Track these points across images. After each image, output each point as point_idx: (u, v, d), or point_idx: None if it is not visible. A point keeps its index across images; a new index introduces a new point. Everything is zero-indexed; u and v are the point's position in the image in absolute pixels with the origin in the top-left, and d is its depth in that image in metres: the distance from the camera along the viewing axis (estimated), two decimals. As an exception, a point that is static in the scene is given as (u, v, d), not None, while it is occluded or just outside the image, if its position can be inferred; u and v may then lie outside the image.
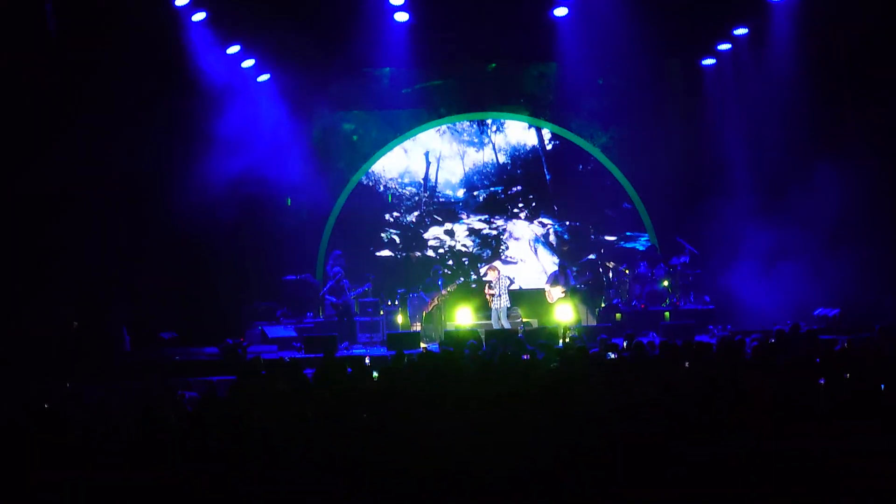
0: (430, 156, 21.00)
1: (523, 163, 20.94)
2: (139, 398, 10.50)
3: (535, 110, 20.61)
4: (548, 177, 20.90)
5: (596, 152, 20.42)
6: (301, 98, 19.51)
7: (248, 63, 18.37)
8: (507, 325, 17.50)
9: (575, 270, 18.66)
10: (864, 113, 16.84)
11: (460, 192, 21.02)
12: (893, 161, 16.30)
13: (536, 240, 20.08)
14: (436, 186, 21.00)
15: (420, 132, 20.66)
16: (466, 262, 19.65)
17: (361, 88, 20.48)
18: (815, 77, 17.08)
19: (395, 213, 20.88)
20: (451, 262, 18.74)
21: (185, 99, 17.12)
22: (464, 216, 20.99)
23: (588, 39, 18.49)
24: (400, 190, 20.91)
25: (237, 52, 17.93)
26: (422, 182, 20.99)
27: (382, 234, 20.79)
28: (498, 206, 21.00)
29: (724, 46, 18.90)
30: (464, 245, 20.94)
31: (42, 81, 15.77)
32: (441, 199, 20.99)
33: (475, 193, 21.00)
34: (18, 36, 15.46)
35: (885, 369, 9.17)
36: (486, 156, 21.03)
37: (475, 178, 21.02)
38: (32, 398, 10.49)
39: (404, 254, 20.78)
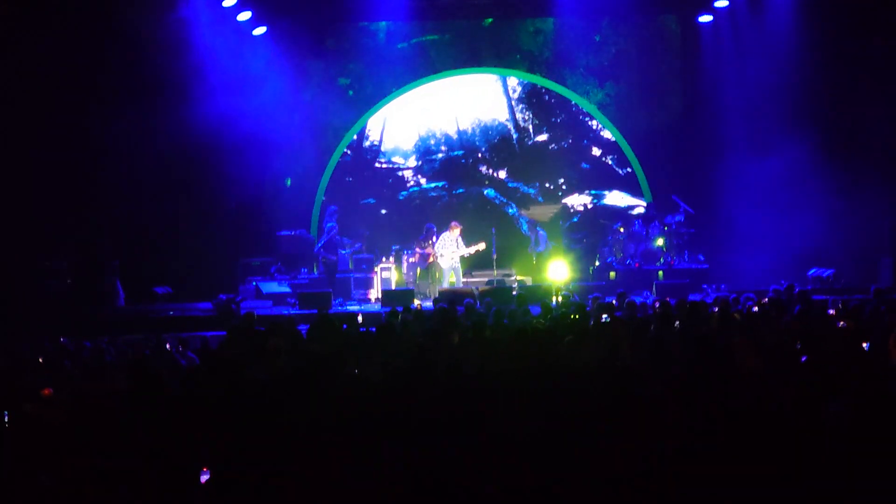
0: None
1: (487, 126, 20.73)
2: (132, 353, 10.57)
3: (531, 66, 20.48)
4: (515, 136, 20.78)
5: (592, 109, 20.33)
6: (297, 52, 19.38)
7: (245, 15, 18.20)
8: (445, 286, 17.28)
9: (544, 233, 18.52)
10: (863, 71, 16.75)
11: (412, 161, 20.79)
12: (892, 121, 16.22)
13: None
14: (379, 147, 20.78)
15: (415, 87, 20.48)
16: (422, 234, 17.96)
17: (357, 43, 20.35)
18: (813, 33, 16.98)
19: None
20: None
21: (175, 50, 16.90)
22: (416, 181, 20.72)
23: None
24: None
25: (234, 5, 17.79)
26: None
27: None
28: (459, 171, 20.75)
29: (721, 3, 18.80)
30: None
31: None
32: (390, 165, 20.76)
33: (431, 158, 20.76)
34: None
35: (878, 331, 9.22)
36: (445, 118, 20.77)
37: (431, 141, 20.78)
38: (27, 352, 10.53)
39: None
